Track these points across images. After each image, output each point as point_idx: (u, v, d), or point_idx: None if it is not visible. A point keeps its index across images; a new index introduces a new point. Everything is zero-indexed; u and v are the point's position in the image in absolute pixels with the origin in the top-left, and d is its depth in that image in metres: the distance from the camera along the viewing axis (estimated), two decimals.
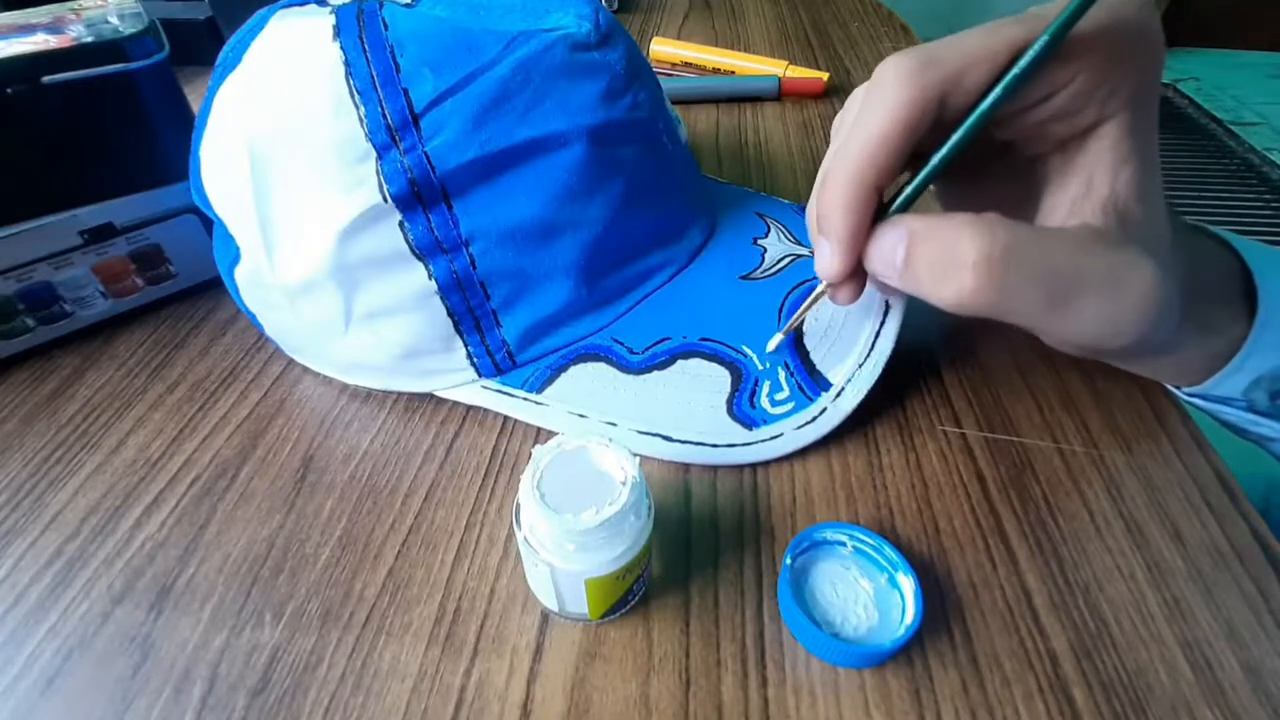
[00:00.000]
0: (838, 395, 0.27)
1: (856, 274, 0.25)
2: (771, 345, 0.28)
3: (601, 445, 0.20)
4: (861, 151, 0.22)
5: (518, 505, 0.20)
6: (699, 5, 0.78)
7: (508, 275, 0.26)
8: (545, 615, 0.23)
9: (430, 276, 0.26)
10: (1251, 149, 1.94)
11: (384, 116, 0.24)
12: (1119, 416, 0.29)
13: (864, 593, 0.22)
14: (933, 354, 0.31)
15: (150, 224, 0.32)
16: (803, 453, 0.27)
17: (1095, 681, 0.21)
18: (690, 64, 0.61)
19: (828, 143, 0.31)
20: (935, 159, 0.22)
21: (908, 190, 0.23)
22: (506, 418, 0.29)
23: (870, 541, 0.23)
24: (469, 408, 0.29)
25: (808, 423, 0.27)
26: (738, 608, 0.23)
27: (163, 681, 0.21)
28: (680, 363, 0.28)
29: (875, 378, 0.27)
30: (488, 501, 0.26)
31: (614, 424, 0.27)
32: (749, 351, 0.28)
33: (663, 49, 0.62)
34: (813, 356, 0.28)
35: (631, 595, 0.22)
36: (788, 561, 0.22)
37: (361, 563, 0.24)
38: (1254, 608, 0.22)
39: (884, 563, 0.23)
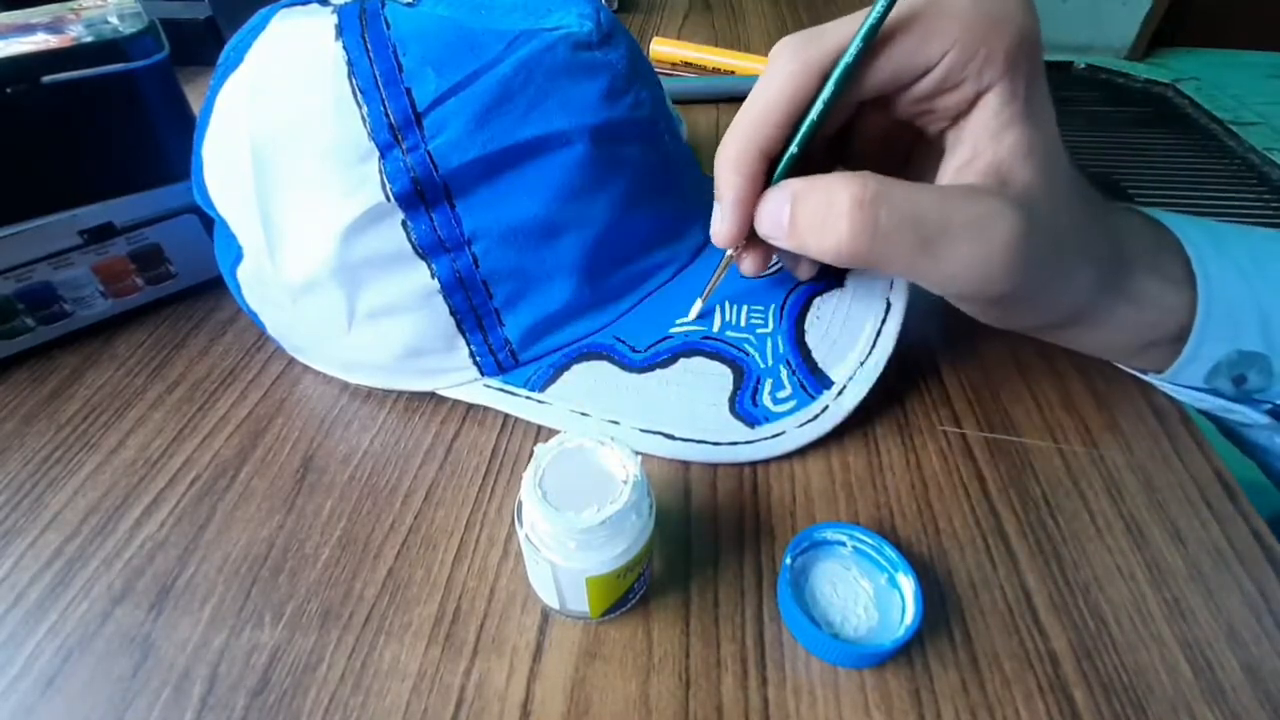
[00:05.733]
0: (840, 393, 0.27)
1: (757, 244, 0.26)
2: (692, 314, 0.29)
3: (603, 444, 0.20)
4: (749, 120, 0.24)
5: (519, 503, 0.20)
6: (699, 5, 0.78)
7: (510, 274, 0.26)
8: (545, 615, 0.23)
9: (433, 275, 0.26)
10: (1251, 149, 1.94)
11: (386, 115, 0.24)
12: (1119, 416, 0.29)
13: (864, 593, 0.22)
14: (933, 354, 0.31)
15: (150, 224, 0.32)
16: (802, 452, 0.27)
17: (1095, 681, 0.21)
18: (690, 64, 0.61)
19: None
20: (807, 120, 0.24)
21: (789, 152, 0.24)
22: (506, 417, 0.29)
23: (870, 541, 0.23)
24: (469, 407, 0.29)
25: (810, 420, 0.27)
26: (738, 608, 0.23)
27: (163, 681, 0.21)
28: (682, 361, 0.28)
29: (877, 376, 0.27)
30: (488, 501, 0.26)
31: (616, 422, 0.27)
32: (751, 350, 0.28)
33: (663, 49, 0.62)
34: (814, 355, 0.28)
35: (632, 594, 0.22)
36: (788, 561, 0.22)
37: (361, 563, 0.24)
38: (1254, 608, 0.22)
39: (884, 563, 0.23)
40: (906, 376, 0.30)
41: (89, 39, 0.28)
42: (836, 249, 0.22)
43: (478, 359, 0.28)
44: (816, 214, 0.23)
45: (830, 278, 0.30)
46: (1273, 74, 2.32)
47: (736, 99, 0.56)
